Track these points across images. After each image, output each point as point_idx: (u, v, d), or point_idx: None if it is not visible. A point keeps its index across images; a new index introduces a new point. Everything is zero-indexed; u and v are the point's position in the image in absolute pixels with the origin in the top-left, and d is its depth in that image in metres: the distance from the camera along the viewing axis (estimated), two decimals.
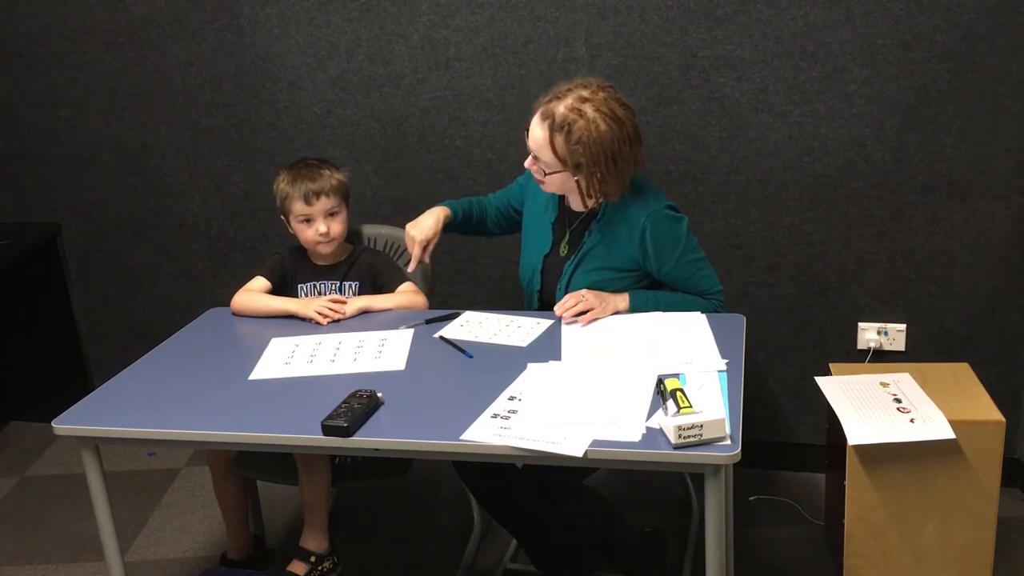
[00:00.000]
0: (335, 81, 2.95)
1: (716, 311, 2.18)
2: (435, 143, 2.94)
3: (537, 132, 2.10)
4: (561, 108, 2.06)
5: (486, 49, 2.80)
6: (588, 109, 2.05)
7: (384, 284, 2.43)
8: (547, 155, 2.09)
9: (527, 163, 2.17)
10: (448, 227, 2.37)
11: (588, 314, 2.13)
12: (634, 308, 2.17)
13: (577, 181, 2.12)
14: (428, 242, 2.31)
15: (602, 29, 2.70)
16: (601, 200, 2.17)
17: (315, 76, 2.97)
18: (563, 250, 2.27)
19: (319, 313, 2.28)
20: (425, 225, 2.31)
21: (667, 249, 2.16)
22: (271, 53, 2.98)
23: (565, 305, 2.14)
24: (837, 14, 2.54)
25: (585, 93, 2.07)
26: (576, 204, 2.25)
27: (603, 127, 2.05)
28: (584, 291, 2.16)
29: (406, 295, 2.39)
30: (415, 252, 2.29)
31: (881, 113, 2.60)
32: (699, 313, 2.16)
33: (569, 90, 2.09)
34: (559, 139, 2.06)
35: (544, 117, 2.08)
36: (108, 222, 3.32)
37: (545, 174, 2.13)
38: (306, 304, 2.32)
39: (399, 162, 2.99)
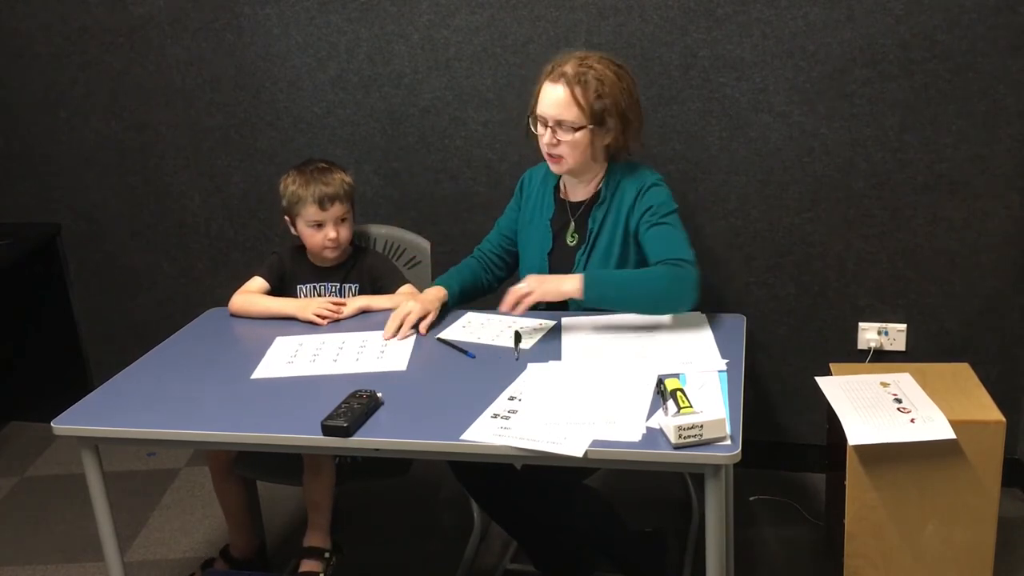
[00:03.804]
0: (335, 81, 2.96)
1: (681, 279, 2.06)
2: (435, 143, 2.94)
3: (557, 93, 2.11)
4: (570, 68, 2.12)
5: (486, 49, 2.80)
6: (593, 62, 2.13)
7: (384, 286, 2.43)
8: (571, 112, 2.11)
9: (546, 139, 2.15)
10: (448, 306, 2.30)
11: (525, 300, 2.06)
12: (588, 288, 2.06)
13: (601, 135, 2.15)
14: (425, 315, 2.20)
15: (602, 29, 2.70)
16: (627, 155, 2.22)
17: (315, 76, 2.97)
18: (571, 240, 2.26)
19: (318, 315, 2.28)
20: (426, 299, 2.24)
21: (654, 202, 2.16)
22: (271, 53, 2.98)
23: (506, 303, 2.09)
24: (837, 14, 2.54)
25: (581, 55, 2.16)
26: (577, 192, 2.27)
27: (611, 75, 2.13)
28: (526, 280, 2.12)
29: (399, 297, 2.38)
30: (407, 322, 2.17)
31: (881, 113, 2.60)
32: (699, 313, 2.16)
33: (566, 59, 2.16)
34: (579, 91, 2.10)
35: (557, 79, 2.12)
36: (108, 222, 3.32)
37: (573, 131, 2.12)
38: (304, 306, 2.32)
39: (399, 162, 2.99)
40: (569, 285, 2.07)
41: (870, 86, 2.58)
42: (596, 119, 2.12)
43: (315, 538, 2.33)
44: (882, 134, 2.62)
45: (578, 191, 2.27)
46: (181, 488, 3.11)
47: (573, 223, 2.26)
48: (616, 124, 2.14)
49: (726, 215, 2.79)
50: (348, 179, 2.42)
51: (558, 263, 2.28)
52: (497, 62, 2.80)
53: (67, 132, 3.24)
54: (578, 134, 2.12)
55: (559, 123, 2.12)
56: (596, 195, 2.24)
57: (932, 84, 2.55)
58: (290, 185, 2.39)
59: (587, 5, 2.69)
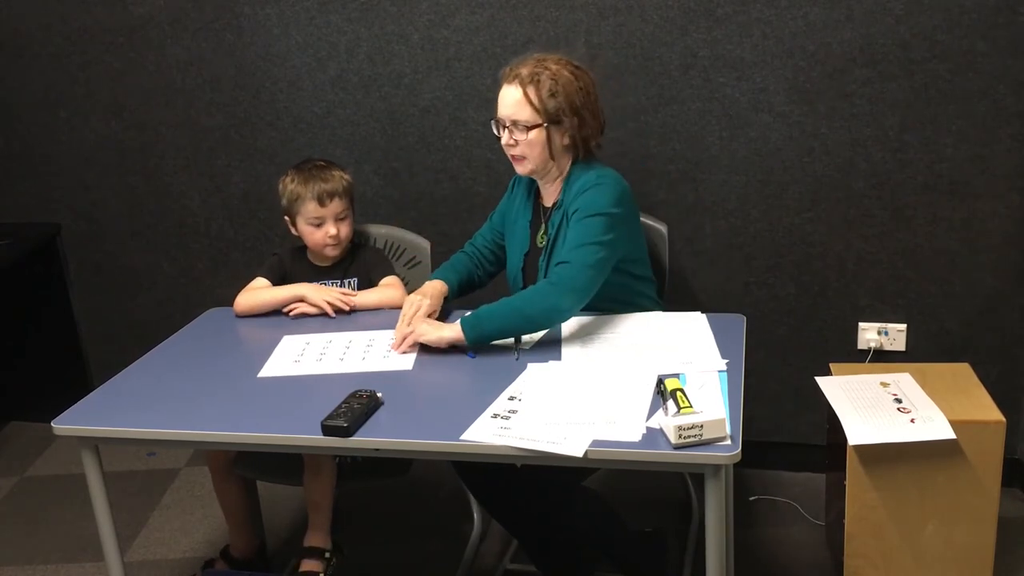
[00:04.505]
0: (335, 81, 2.96)
1: (553, 289, 2.04)
2: (435, 143, 2.94)
3: (512, 93, 2.13)
4: (525, 69, 2.14)
5: (486, 49, 2.80)
6: (550, 63, 2.14)
7: (375, 277, 2.46)
8: (524, 112, 2.12)
9: (504, 140, 2.17)
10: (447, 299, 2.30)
11: (408, 337, 2.08)
12: (467, 330, 2.02)
13: (559, 133, 2.14)
14: (433, 311, 2.20)
15: (602, 29, 2.70)
16: (581, 155, 2.19)
17: (315, 76, 2.97)
18: (540, 242, 2.27)
19: (329, 303, 2.31)
20: (431, 292, 2.23)
21: (584, 204, 2.11)
22: (271, 53, 2.98)
23: (395, 342, 2.10)
24: (837, 14, 2.54)
25: (539, 56, 2.17)
26: (547, 196, 2.26)
27: (567, 74, 2.13)
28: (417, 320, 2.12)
29: (385, 289, 2.41)
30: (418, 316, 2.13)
31: (881, 113, 2.60)
32: (699, 313, 2.16)
33: (524, 62, 2.17)
34: (532, 91, 2.11)
35: (511, 80, 2.14)
36: (108, 222, 3.32)
37: (527, 130, 2.12)
38: (316, 289, 2.34)
39: (399, 162, 2.99)
40: (448, 333, 2.05)
41: (870, 86, 2.58)
42: (550, 117, 2.12)
43: (315, 538, 2.33)
44: (882, 134, 2.62)
45: (548, 195, 2.27)
46: (181, 488, 3.11)
47: (544, 226, 2.27)
48: (572, 122, 2.14)
49: (726, 215, 2.79)
50: (347, 176, 2.43)
51: (531, 265, 2.29)
52: (497, 62, 2.80)
53: (67, 132, 3.24)
54: (532, 133, 2.13)
55: (515, 123, 2.13)
56: (559, 201, 2.23)
57: (932, 84, 2.55)
58: (289, 184, 2.41)
59: (587, 5, 2.69)
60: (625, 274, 2.20)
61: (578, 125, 2.15)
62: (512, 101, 2.13)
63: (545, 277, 2.19)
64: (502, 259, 2.44)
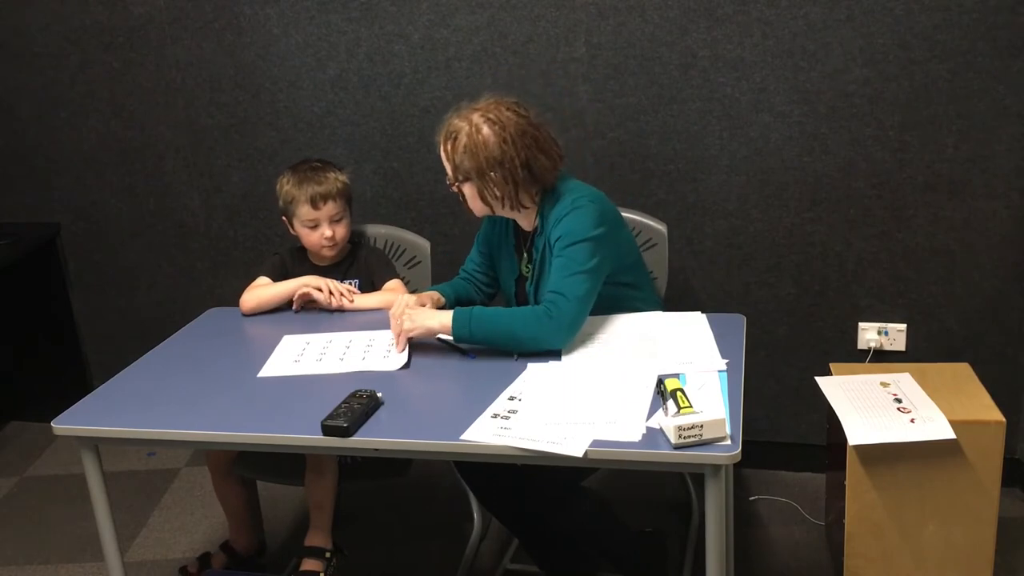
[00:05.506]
0: (335, 81, 2.96)
1: (544, 319, 1.98)
2: (435, 143, 2.93)
3: (439, 148, 2.13)
4: (455, 121, 2.11)
5: (486, 49, 2.80)
6: (475, 116, 2.09)
7: (377, 280, 2.45)
8: (447, 167, 2.12)
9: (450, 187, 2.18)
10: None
11: (401, 335, 2.07)
12: (456, 325, 2.02)
13: (474, 188, 2.10)
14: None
15: (602, 29, 2.70)
16: (506, 208, 2.14)
17: (315, 76, 2.97)
18: (526, 271, 2.25)
19: (331, 292, 2.32)
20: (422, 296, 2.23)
21: (563, 231, 2.07)
22: (271, 53, 2.98)
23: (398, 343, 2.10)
24: (837, 14, 2.54)
25: (478, 105, 2.12)
26: (524, 223, 2.23)
27: (485, 130, 2.06)
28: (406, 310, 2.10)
29: (387, 294, 2.40)
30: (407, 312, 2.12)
31: (881, 113, 2.60)
32: (699, 313, 2.16)
33: (459, 111, 2.13)
34: (448, 147, 2.10)
35: (439, 132, 2.13)
36: (108, 222, 3.32)
37: (450, 186, 2.14)
38: (321, 279, 2.34)
39: (399, 162, 2.99)
40: (434, 322, 2.05)
41: (870, 86, 2.58)
42: (461, 176, 2.10)
43: (316, 538, 2.33)
44: (882, 134, 2.62)
45: (524, 222, 2.23)
46: (181, 488, 3.11)
47: (527, 254, 2.24)
48: (482, 181, 2.07)
49: (726, 215, 2.79)
50: (342, 178, 2.42)
51: (521, 290, 2.28)
52: (497, 62, 2.80)
53: (67, 132, 3.25)
54: (455, 187, 2.13)
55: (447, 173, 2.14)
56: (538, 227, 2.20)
57: (932, 84, 2.55)
58: (284, 185, 2.41)
59: (587, 5, 2.69)
60: (615, 285, 2.16)
61: (492, 184, 2.07)
62: (440, 154, 2.13)
63: (536, 303, 2.15)
64: (497, 279, 2.41)
